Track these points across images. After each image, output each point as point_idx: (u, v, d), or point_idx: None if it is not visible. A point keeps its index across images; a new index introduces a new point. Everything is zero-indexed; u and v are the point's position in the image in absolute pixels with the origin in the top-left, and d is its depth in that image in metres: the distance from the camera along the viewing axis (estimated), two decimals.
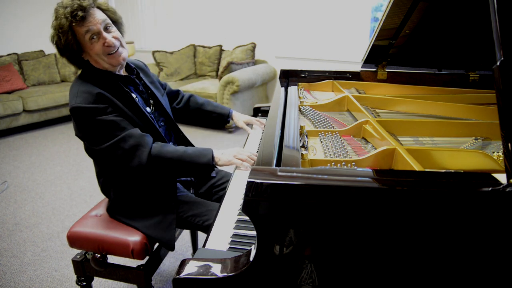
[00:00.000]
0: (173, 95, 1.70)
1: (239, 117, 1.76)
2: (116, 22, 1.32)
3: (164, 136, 1.44)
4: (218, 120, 1.73)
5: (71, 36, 1.19)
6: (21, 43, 4.92)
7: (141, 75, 1.46)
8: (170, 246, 1.36)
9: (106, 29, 1.25)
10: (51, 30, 1.24)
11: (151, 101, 1.46)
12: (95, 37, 1.22)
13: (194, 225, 1.41)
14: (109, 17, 1.28)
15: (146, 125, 1.35)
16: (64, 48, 1.23)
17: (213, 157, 1.30)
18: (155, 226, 1.36)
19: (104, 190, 1.49)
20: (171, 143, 1.50)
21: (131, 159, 1.24)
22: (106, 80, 1.29)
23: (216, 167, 1.37)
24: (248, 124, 1.77)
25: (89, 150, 1.38)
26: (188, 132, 1.64)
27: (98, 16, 1.22)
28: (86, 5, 1.19)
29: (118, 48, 1.27)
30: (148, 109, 1.42)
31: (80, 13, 1.17)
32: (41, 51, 4.93)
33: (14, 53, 4.68)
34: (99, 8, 1.25)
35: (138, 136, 1.25)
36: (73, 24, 1.18)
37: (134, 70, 1.44)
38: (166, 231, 1.36)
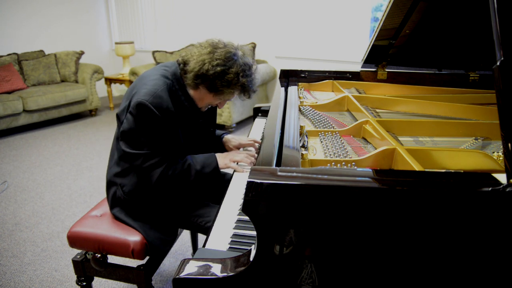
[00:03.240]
0: None
1: (229, 142, 1.61)
2: None
3: None
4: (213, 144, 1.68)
5: (227, 92, 1.31)
6: (21, 43, 4.92)
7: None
8: (161, 257, 1.44)
9: None
10: (221, 65, 1.27)
11: (202, 136, 1.51)
12: (221, 100, 1.39)
13: (196, 226, 1.42)
14: None
15: (188, 150, 1.42)
16: (213, 84, 1.29)
17: (217, 164, 1.37)
18: (155, 236, 1.40)
19: (110, 181, 1.45)
20: None
21: (142, 174, 1.32)
22: (184, 98, 1.35)
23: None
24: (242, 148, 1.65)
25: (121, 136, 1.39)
26: None
27: None
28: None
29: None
30: (195, 143, 1.46)
31: (246, 95, 1.35)
32: (41, 51, 4.92)
33: (14, 53, 4.67)
34: None
35: (159, 158, 1.30)
36: (238, 88, 1.32)
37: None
38: (163, 245, 1.42)
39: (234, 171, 1.40)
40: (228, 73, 1.26)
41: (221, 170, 1.39)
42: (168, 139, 1.31)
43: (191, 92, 1.35)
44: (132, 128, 1.26)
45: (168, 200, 1.44)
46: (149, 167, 1.29)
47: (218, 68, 1.25)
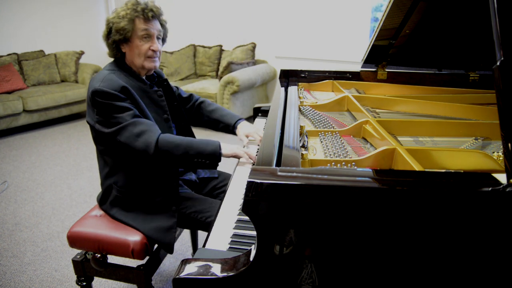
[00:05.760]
0: (184, 98, 1.70)
1: (240, 129, 1.65)
2: (163, 40, 1.49)
3: None
4: (225, 130, 1.69)
5: (129, 25, 1.33)
6: (21, 43, 4.92)
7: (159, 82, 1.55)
8: (169, 248, 1.39)
9: (157, 38, 1.41)
10: (112, 14, 1.35)
11: (167, 108, 1.50)
12: (146, 37, 1.37)
13: (196, 222, 1.42)
14: (162, 33, 1.44)
15: (160, 127, 1.41)
16: (115, 31, 1.34)
17: (220, 147, 1.34)
18: (156, 228, 1.38)
19: (105, 186, 1.45)
20: None
21: (137, 142, 1.27)
22: (133, 78, 1.39)
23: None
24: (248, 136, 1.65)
25: (97, 138, 1.40)
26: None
27: (158, 26, 1.41)
28: (156, 13, 1.38)
29: (156, 57, 1.42)
30: (165, 115, 1.47)
31: (149, 14, 1.35)
32: (41, 51, 4.93)
33: (14, 53, 4.67)
34: (161, 22, 1.44)
35: (148, 123, 1.30)
36: (137, 17, 1.34)
37: (155, 78, 1.53)
38: (166, 234, 1.38)
39: (235, 170, 1.40)
40: (126, 8, 1.33)
41: (226, 156, 1.36)
42: (144, 116, 1.33)
43: (128, 61, 1.40)
44: (103, 115, 1.30)
45: (164, 192, 1.42)
46: (142, 133, 1.27)
47: (118, 9, 1.35)
